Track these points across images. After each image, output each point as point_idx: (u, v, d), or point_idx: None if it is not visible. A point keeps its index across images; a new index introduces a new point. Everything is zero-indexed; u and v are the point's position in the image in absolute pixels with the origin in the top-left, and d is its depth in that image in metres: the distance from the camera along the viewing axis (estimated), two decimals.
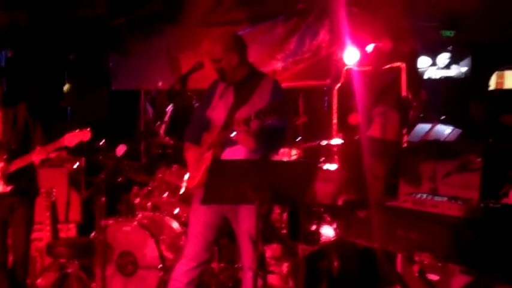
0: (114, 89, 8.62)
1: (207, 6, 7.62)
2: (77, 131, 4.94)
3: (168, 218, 5.78)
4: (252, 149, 4.05)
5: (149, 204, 5.97)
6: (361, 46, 7.43)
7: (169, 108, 6.65)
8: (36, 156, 4.95)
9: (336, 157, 7.36)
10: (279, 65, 7.34)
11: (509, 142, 6.34)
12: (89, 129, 4.94)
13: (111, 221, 5.62)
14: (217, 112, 4.26)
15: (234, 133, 3.95)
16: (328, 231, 6.75)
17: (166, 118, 6.56)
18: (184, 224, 5.62)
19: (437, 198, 3.78)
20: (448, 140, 6.94)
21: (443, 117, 7.69)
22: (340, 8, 6.75)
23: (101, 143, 5.97)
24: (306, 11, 7.17)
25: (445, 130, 7.15)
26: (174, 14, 7.78)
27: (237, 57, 4.19)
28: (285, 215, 6.71)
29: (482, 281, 3.49)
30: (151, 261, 5.39)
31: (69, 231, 6.79)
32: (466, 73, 9.79)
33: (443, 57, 9.76)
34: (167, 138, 6.44)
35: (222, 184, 3.61)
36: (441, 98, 8.91)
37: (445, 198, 3.75)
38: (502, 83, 9.61)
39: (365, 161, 6.75)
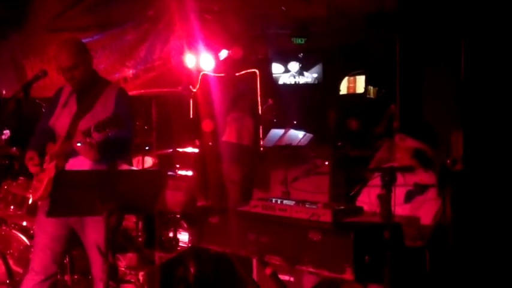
0: None
1: (53, 12, 7.38)
2: None
3: (15, 231, 5.53)
4: (94, 160, 3.99)
5: None
6: (215, 52, 7.50)
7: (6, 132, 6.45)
8: None
9: (191, 163, 7.37)
10: (130, 72, 7.22)
11: (355, 145, 6.61)
12: None
13: None
14: (61, 121, 4.16)
15: (79, 144, 3.85)
16: (185, 237, 6.75)
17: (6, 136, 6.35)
18: (32, 237, 5.40)
19: (286, 202, 3.85)
20: (300, 145, 7.14)
21: (295, 122, 7.91)
22: (192, 15, 6.75)
23: None
24: (156, 18, 7.10)
25: (298, 135, 7.35)
26: (19, 19, 7.46)
27: (82, 64, 4.10)
28: (140, 223, 6.63)
29: (330, 282, 3.60)
30: None
31: None
32: (317, 79, 10.14)
33: (295, 64, 10.06)
34: (14, 148, 6.19)
35: (68, 196, 3.53)
36: (294, 104, 9.16)
37: (293, 202, 3.83)
38: (353, 87, 10.06)
39: (221, 166, 6.81)
